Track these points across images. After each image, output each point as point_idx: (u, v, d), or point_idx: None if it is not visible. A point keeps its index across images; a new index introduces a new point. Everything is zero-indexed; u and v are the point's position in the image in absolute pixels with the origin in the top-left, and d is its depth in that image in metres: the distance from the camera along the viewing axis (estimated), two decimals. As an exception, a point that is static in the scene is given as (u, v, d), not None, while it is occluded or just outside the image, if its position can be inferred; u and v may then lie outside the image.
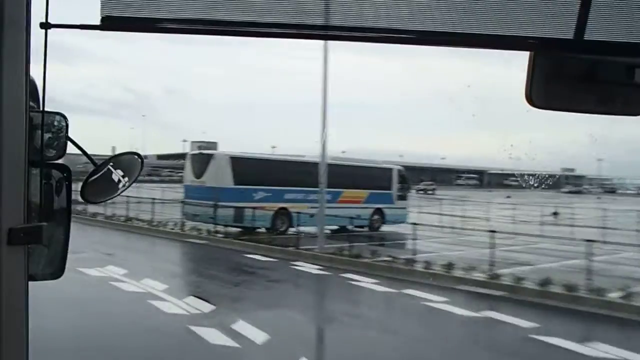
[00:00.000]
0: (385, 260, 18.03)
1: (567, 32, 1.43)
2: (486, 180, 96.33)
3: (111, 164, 1.74)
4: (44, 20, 1.31)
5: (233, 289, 15.03)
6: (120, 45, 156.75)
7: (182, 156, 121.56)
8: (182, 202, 27.12)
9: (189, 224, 25.35)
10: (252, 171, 25.93)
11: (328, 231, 23.04)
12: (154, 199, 29.62)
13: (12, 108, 1.24)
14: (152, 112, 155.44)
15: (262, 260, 19.11)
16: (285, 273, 17.75)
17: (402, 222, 28.15)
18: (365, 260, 18.31)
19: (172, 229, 25.37)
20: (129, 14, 1.38)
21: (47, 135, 1.51)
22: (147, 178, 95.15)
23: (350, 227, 25.41)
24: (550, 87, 1.55)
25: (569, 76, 1.55)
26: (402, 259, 18.02)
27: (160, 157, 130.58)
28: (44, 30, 1.31)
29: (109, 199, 1.90)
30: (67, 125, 1.63)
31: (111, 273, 15.45)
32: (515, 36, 1.45)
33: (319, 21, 1.43)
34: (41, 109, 1.40)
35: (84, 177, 1.72)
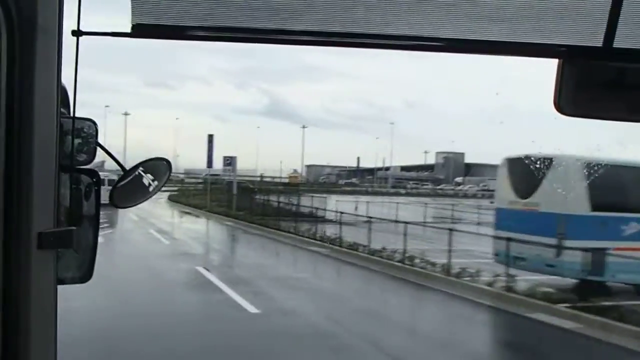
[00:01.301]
0: None
1: (596, 40, 1.42)
2: None
3: (140, 169, 1.70)
4: (76, 28, 1.34)
5: None
6: (364, 61, 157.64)
7: (424, 167, 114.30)
8: (496, 237, 16.70)
9: (511, 274, 14.82)
10: (621, 188, 15.03)
11: None
12: (443, 228, 19.52)
13: (43, 114, 1.26)
14: (393, 125, 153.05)
15: None
16: None
17: None
18: None
19: (490, 285, 14.69)
20: (159, 21, 1.41)
21: (77, 141, 1.54)
22: (392, 191, 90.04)
23: None
24: (578, 94, 1.52)
25: (597, 84, 1.52)
26: None
27: (404, 168, 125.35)
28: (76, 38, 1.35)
29: (137, 204, 1.83)
30: (96, 131, 1.63)
31: None
32: (544, 44, 1.46)
33: (346, 29, 1.44)
34: (72, 115, 1.42)
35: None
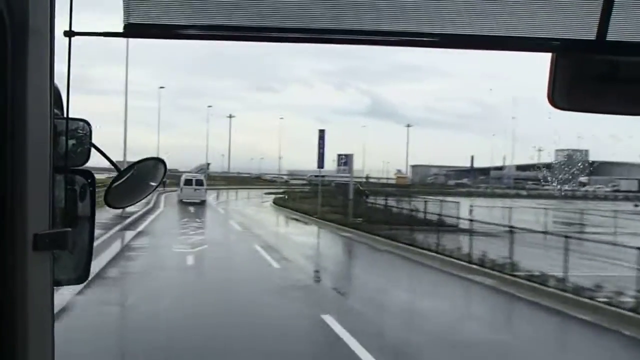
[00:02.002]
0: None
1: (589, 33, 1.43)
2: None
3: (135, 169, 1.72)
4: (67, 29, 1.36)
5: None
6: (466, 60, 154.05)
7: (542, 166, 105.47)
8: None
9: None
10: None
11: None
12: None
13: (36, 115, 1.26)
14: (501, 123, 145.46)
15: None
16: None
17: None
18: None
19: None
20: (151, 21, 1.42)
21: (71, 142, 1.52)
22: (512, 192, 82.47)
23: None
24: (572, 88, 1.53)
25: (591, 77, 1.53)
26: None
27: (519, 167, 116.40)
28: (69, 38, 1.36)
29: (132, 204, 1.88)
30: (90, 132, 1.63)
31: None
32: (537, 38, 1.47)
33: (339, 26, 1.46)
34: (65, 115, 1.42)
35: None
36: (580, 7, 1.41)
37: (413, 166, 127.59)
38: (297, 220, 35.36)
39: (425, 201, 31.64)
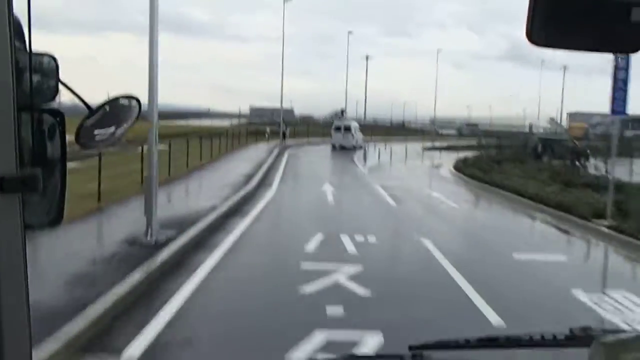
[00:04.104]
0: None
1: None
2: None
3: (107, 107, 1.58)
4: None
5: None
6: None
7: None
8: None
9: None
10: None
11: None
12: None
13: None
14: None
15: None
16: None
17: None
18: None
19: None
20: None
21: (35, 78, 1.38)
22: None
23: None
24: (549, 25, 1.52)
25: (567, 15, 1.51)
26: None
27: None
28: None
29: (105, 144, 1.75)
30: (57, 67, 1.47)
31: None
32: None
33: None
34: (28, 49, 1.30)
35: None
36: None
37: (570, 114, 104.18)
38: (560, 232, 16.09)
39: None
